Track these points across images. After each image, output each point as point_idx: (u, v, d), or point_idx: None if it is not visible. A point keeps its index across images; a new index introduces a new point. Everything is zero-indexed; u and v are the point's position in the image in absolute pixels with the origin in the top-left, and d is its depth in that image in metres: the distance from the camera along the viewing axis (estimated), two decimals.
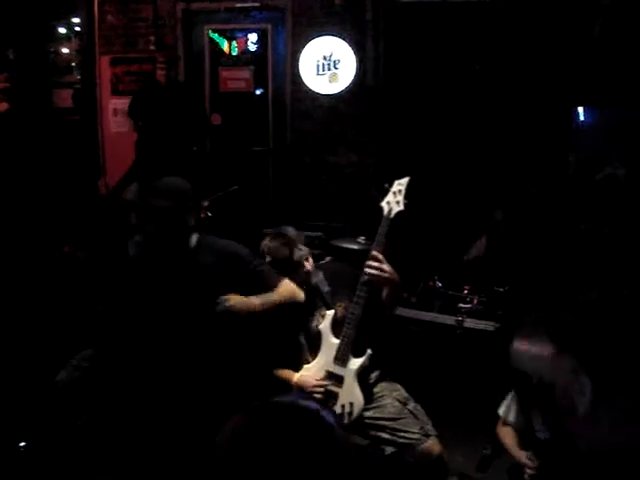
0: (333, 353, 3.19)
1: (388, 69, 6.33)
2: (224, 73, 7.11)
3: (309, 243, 4.90)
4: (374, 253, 3.03)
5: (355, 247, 4.84)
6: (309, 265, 3.43)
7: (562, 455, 2.30)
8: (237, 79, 7.10)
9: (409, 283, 4.63)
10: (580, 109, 5.60)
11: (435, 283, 4.68)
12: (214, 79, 7.13)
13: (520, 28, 5.70)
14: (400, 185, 3.15)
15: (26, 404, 3.76)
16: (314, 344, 3.31)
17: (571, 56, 5.56)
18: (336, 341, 3.20)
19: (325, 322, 3.27)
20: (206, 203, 5.02)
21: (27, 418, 3.68)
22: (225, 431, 1.18)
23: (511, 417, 2.94)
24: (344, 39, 6.36)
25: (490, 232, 4.98)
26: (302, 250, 3.37)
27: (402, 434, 3.13)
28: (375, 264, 3.01)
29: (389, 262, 3.01)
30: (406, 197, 3.11)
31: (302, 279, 3.35)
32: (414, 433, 3.12)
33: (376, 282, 3.06)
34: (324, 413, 1.15)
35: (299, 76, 6.53)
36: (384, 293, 3.14)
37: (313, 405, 1.16)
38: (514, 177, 5.72)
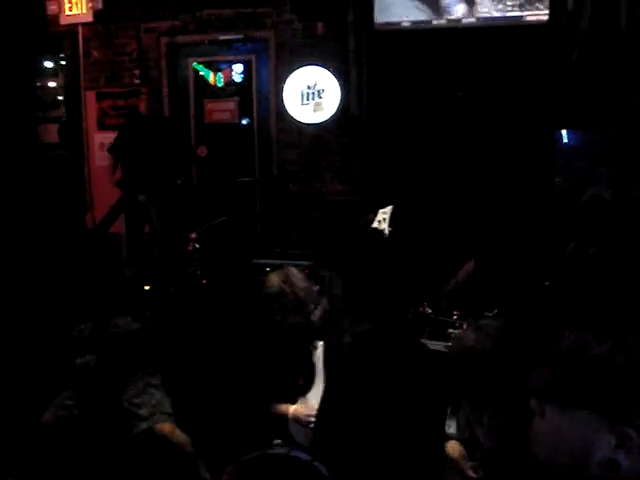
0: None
1: (372, 97, 6.37)
2: (209, 105, 7.15)
3: None
4: None
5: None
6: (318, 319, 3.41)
7: (506, 464, 2.30)
8: (222, 110, 7.15)
9: (399, 309, 4.62)
10: (563, 132, 5.65)
11: (425, 309, 4.66)
12: (199, 111, 7.18)
13: (501, 54, 5.75)
14: (384, 214, 3.21)
15: (14, 442, 3.73)
16: (308, 375, 3.29)
17: (551, 80, 5.62)
18: None
19: (317, 352, 3.26)
20: (194, 235, 5.02)
21: (15, 456, 3.64)
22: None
23: (452, 429, 2.94)
24: (327, 68, 6.41)
25: (478, 257, 4.98)
26: (316, 313, 3.35)
27: None
28: None
29: None
30: (391, 225, 3.14)
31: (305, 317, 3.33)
32: None
33: None
34: (317, 464, 1.15)
35: (284, 106, 6.56)
36: None
37: (305, 456, 1.15)
38: (500, 201, 5.74)
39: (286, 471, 1.08)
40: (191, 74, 7.16)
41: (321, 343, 3.27)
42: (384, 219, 3.17)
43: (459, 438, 2.90)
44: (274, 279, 3.29)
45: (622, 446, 1.13)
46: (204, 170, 7.09)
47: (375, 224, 3.19)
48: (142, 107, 6.46)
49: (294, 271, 3.34)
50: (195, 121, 7.19)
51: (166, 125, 6.56)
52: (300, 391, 3.29)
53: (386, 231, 3.15)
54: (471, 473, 2.69)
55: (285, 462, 1.11)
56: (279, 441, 3.17)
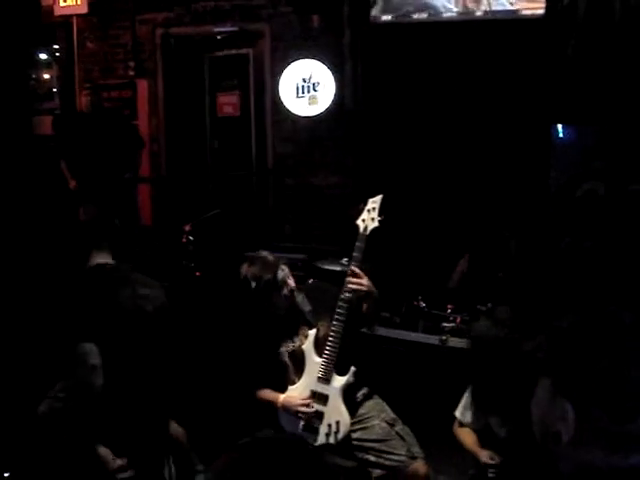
0: (317, 372, 3.18)
1: (367, 90, 6.37)
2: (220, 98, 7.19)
3: (292, 265, 4.89)
4: (352, 268, 3.10)
5: (338, 269, 4.83)
6: (292, 283, 3.42)
7: (522, 452, 2.32)
8: (227, 104, 7.18)
9: (393, 303, 4.63)
10: (559, 126, 5.65)
11: (419, 303, 4.67)
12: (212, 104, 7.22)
13: (496, 48, 5.75)
14: (374, 203, 3.23)
15: (9, 435, 3.72)
16: (298, 364, 3.30)
17: (547, 74, 5.62)
18: (319, 360, 3.19)
19: (308, 342, 3.26)
20: (188, 227, 5.01)
21: (10, 448, 3.63)
22: (215, 470, 1.18)
23: (468, 418, 2.96)
24: (323, 62, 6.40)
25: (472, 251, 4.99)
26: (284, 270, 3.36)
27: (389, 456, 3.12)
28: (355, 279, 3.08)
29: (369, 278, 3.08)
30: (381, 214, 3.17)
31: (287, 298, 3.34)
32: (401, 455, 3.10)
33: (357, 296, 3.10)
34: (306, 442, 1.15)
35: (279, 99, 6.55)
36: (364, 308, 3.18)
37: (294, 437, 1.16)
38: (495, 196, 5.75)
39: (278, 452, 1.09)
40: (206, 67, 7.16)
41: (312, 332, 3.27)
42: (373, 208, 3.20)
43: (474, 428, 2.94)
44: (244, 265, 3.29)
45: (562, 418, 1.16)
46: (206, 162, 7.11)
47: (364, 214, 3.20)
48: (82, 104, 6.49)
49: (262, 252, 3.36)
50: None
51: (105, 119, 6.52)
52: (289, 380, 3.31)
53: (376, 220, 3.17)
54: (488, 460, 2.72)
55: (276, 443, 1.12)
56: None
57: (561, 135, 5.70)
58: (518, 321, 2.60)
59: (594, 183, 5.19)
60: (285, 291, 3.30)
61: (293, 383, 3.28)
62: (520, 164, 5.76)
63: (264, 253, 3.34)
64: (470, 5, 5.90)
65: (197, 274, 4.98)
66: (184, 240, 4.95)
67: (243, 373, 3.36)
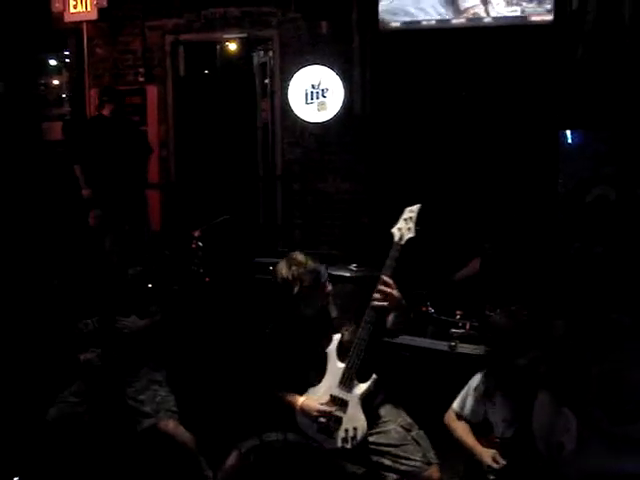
0: (338, 377, 3.16)
1: (375, 96, 6.37)
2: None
3: None
4: (385, 278, 3.05)
5: (347, 274, 4.82)
6: (330, 287, 3.40)
7: (527, 454, 2.32)
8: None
9: None
10: (568, 132, 5.64)
11: (428, 309, 4.66)
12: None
13: (506, 53, 5.75)
14: (411, 212, 3.18)
15: (19, 440, 3.74)
16: (320, 367, 3.28)
17: (556, 80, 5.62)
18: (341, 365, 3.17)
19: (332, 346, 3.23)
20: (197, 233, 5.02)
21: (20, 453, 3.65)
22: (224, 473, 1.18)
23: (467, 410, 2.96)
24: (332, 68, 6.41)
25: (483, 256, 4.98)
26: (325, 274, 3.32)
27: (404, 461, 3.11)
28: (386, 289, 3.03)
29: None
30: (417, 224, 3.13)
31: (323, 301, 3.32)
32: (416, 461, 3.10)
33: (386, 307, 3.06)
34: (312, 445, 1.16)
35: (288, 105, 6.56)
36: (391, 318, 3.14)
37: (299, 439, 1.16)
38: (505, 201, 5.73)
39: (286, 456, 1.10)
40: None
41: (337, 336, 3.25)
42: (410, 218, 3.16)
43: (472, 420, 2.95)
44: (282, 267, 3.25)
45: (566, 428, 1.16)
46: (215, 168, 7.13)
47: (401, 222, 3.17)
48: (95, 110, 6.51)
49: (299, 254, 3.31)
50: None
51: (124, 126, 6.54)
52: (310, 383, 3.29)
53: (413, 230, 3.13)
54: (492, 463, 2.72)
55: (284, 448, 1.12)
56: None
57: (570, 140, 5.69)
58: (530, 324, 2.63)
59: (604, 188, 5.18)
60: (323, 295, 3.28)
61: (313, 386, 3.27)
62: (529, 169, 5.75)
63: (301, 256, 3.29)
64: (478, 11, 5.90)
65: (206, 280, 4.99)
66: (193, 246, 4.95)
67: (266, 374, 3.34)
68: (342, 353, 3.20)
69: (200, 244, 4.96)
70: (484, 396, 2.89)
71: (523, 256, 4.84)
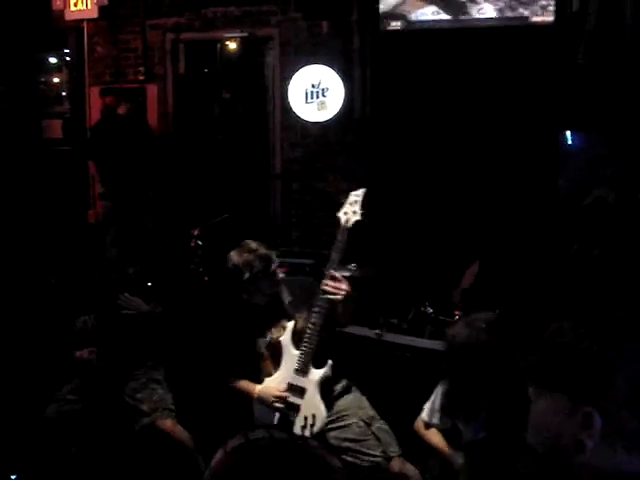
0: (294, 364, 3.18)
1: (376, 96, 6.37)
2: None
3: (300, 270, 4.90)
4: (331, 272, 3.08)
5: (346, 274, 4.81)
6: (281, 274, 3.42)
7: (498, 455, 2.32)
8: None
9: (400, 309, 4.62)
10: (568, 134, 5.64)
11: (426, 309, 4.66)
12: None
13: (506, 55, 5.74)
14: (356, 196, 3.24)
15: (17, 437, 3.74)
16: (276, 356, 3.29)
17: (556, 81, 5.61)
18: (297, 352, 3.19)
19: (286, 333, 3.26)
20: (196, 232, 5.02)
21: (18, 451, 3.65)
22: (211, 469, 1.17)
23: (435, 420, 2.95)
24: (332, 67, 6.40)
25: (481, 258, 4.98)
26: (275, 261, 3.36)
27: (364, 457, 3.15)
28: (332, 283, 3.06)
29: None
30: (363, 207, 3.16)
31: (273, 289, 3.35)
32: (376, 456, 3.14)
33: (336, 299, 3.08)
34: (300, 442, 1.16)
35: (288, 104, 6.56)
36: (339, 308, 3.16)
37: (286, 436, 1.16)
38: (504, 202, 5.73)
39: (274, 455, 1.09)
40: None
41: (290, 324, 3.27)
42: (355, 201, 3.20)
43: (441, 428, 2.93)
44: (234, 253, 3.31)
45: (586, 426, 1.16)
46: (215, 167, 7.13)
47: (346, 207, 3.20)
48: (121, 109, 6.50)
49: (251, 242, 3.36)
50: None
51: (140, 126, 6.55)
52: (266, 372, 3.30)
53: (358, 213, 3.17)
54: (462, 462, 2.72)
55: (268, 444, 1.12)
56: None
57: (569, 142, 5.69)
58: (509, 329, 2.57)
59: (604, 190, 5.18)
60: (274, 281, 3.31)
61: (270, 375, 3.28)
62: (529, 171, 5.75)
63: (254, 243, 3.34)
64: (479, 12, 5.90)
65: (205, 279, 4.98)
66: (192, 244, 4.95)
67: (219, 362, 3.37)
68: (297, 340, 3.22)
69: (199, 243, 4.95)
70: (449, 405, 2.88)
71: (522, 258, 4.84)
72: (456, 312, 4.53)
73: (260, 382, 3.27)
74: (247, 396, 3.27)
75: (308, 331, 3.13)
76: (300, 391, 3.15)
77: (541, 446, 1.26)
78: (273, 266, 3.30)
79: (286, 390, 3.17)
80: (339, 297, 3.06)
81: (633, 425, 1.14)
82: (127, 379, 3.74)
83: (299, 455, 1.09)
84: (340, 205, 3.27)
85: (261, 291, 3.28)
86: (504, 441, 2.24)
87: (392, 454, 3.13)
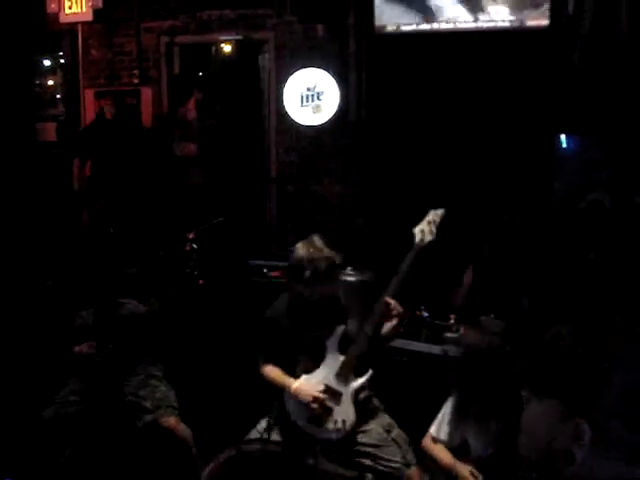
0: (336, 368, 3.15)
1: (371, 100, 6.37)
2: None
3: None
4: (389, 301, 3.11)
5: (345, 278, 4.81)
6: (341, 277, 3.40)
7: (505, 470, 2.30)
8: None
9: None
10: (563, 137, 5.64)
11: (421, 313, 4.66)
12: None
13: (501, 58, 5.75)
14: (435, 215, 3.23)
15: (12, 439, 3.72)
16: (318, 355, 3.24)
17: (551, 85, 5.62)
18: (341, 357, 3.16)
19: (333, 336, 3.20)
20: (192, 235, 5.01)
21: (13, 453, 3.64)
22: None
23: (443, 435, 2.93)
24: (327, 71, 6.40)
25: (475, 262, 4.97)
26: (338, 262, 3.29)
27: (384, 462, 3.12)
28: (395, 313, 3.12)
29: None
30: (438, 228, 3.15)
31: (332, 290, 3.28)
32: (396, 462, 3.11)
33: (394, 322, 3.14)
34: (292, 455, 1.15)
35: (283, 107, 6.55)
36: (388, 326, 3.17)
37: (279, 449, 1.15)
38: (500, 206, 5.73)
39: (263, 464, 1.09)
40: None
41: (341, 327, 3.22)
42: (434, 220, 3.18)
43: (449, 445, 2.91)
44: (300, 247, 3.23)
45: (577, 438, 1.16)
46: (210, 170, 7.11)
47: (423, 224, 3.19)
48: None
49: (318, 239, 3.28)
50: None
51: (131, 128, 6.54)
52: (305, 369, 3.26)
53: (434, 234, 3.17)
54: (469, 476, 2.69)
55: (261, 456, 1.11)
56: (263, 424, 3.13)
57: (565, 146, 5.69)
58: (511, 333, 2.57)
59: (599, 194, 5.18)
60: (333, 284, 3.25)
61: (307, 372, 3.24)
62: (524, 174, 5.75)
63: (320, 241, 3.25)
64: (474, 16, 5.90)
65: (200, 282, 4.97)
66: (188, 248, 4.94)
67: (260, 347, 3.34)
68: (343, 345, 3.19)
69: (194, 246, 4.94)
70: (459, 420, 2.87)
71: (517, 261, 4.84)
72: (451, 316, 4.53)
73: (294, 376, 3.23)
74: (276, 387, 3.23)
75: (358, 339, 3.13)
76: (337, 396, 3.13)
77: (534, 453, 1.26)
78: (336, 269, 3.24)
79: (323, 392, 3.13)
80: (396, 322, 3.12)
81: (623, 435, 1.13)
82: (127, 376, 3.72)
83: (291, 468, 1.09)
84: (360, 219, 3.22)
85: (319, 291, 3.19)
86: (512, 455, 2.21)
87: (412, 462, 3.12)
